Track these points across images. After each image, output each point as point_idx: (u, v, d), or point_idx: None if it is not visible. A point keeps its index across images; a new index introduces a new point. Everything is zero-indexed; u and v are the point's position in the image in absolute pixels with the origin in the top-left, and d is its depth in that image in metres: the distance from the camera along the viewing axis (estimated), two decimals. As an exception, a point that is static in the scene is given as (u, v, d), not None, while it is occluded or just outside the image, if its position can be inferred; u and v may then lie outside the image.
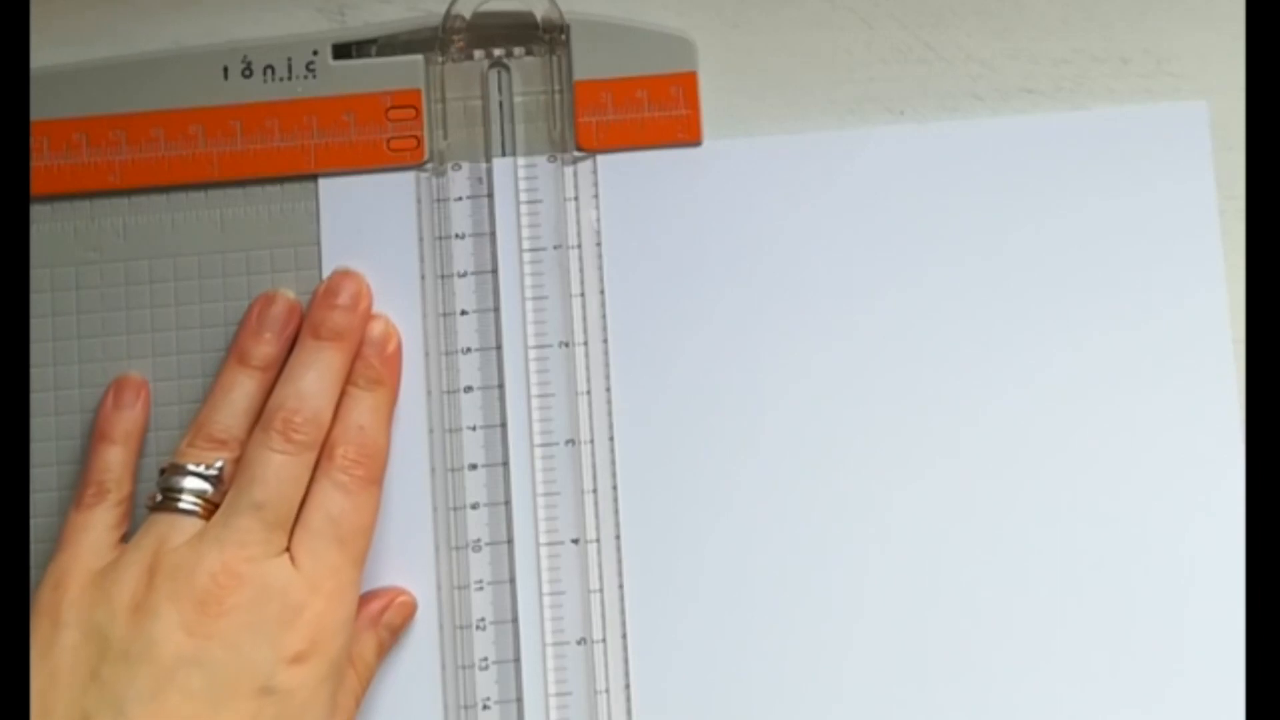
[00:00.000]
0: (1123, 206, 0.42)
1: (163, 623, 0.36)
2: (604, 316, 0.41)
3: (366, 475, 0.39)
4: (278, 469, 0.38)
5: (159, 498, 0.38)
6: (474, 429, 0.41)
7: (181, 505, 0.38)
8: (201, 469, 0.38)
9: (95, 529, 0.38)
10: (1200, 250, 0.41)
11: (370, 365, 0.40)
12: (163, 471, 0.39)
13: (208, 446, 0.39)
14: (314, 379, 0.39)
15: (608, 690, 0.40)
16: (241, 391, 0.40)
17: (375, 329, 0.41)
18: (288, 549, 0.38)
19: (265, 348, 0.40)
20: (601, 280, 0.42)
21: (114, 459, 0.40)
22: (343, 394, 0.40)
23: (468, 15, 0.42)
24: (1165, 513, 0.41)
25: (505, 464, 0.41)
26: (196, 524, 0.38)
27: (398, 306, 0.41)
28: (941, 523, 0.41)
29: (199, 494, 0.38)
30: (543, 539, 0.41)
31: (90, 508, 0.39)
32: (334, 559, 0.38)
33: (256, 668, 0.36)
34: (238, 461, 0.39)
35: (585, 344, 0.41)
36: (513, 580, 0.40)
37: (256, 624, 0.36)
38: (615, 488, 0.41)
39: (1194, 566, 0.40)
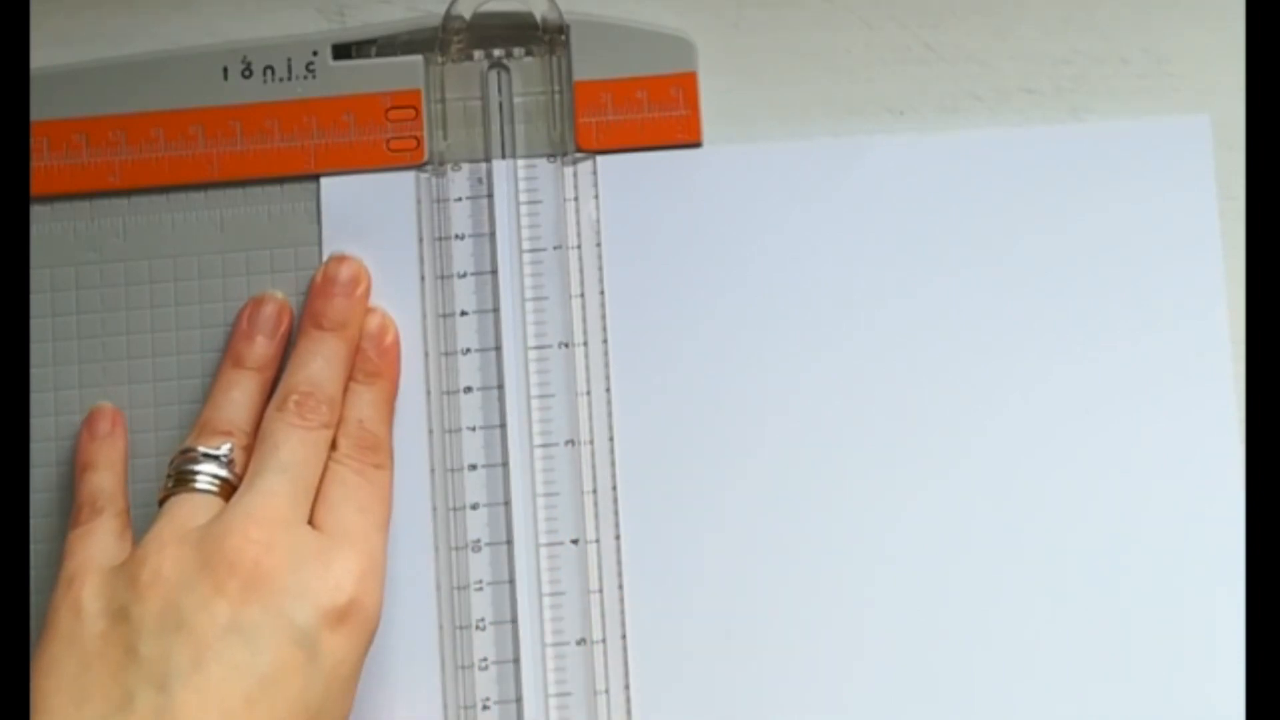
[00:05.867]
0: (1124, 217, 0.41)
1: (197, 594, 0.35)
2: (604, 317, 0.41)
3: (372, 462, 0.39)
4: (299, 439, 0.38)
5: (171, 484, 0.38)
6: (474, 429, 0.41)
7: (198, 485, 0.38)
8: (213, 450, 0.38)
9: (98, 534, 0.38)
10: (1201, 263, 0.41)
11: (368, 359, 0.40)
12: (171, 462, 0.39)
13: (215, 436, 0.39)
14: (322, 364, 0.39)
15: (607, 691, 0.40)
16: (240, 390, 0.40)
17: (372, 322, 0.41)
18: (310, 522, 0.38)
19: (259, 349, 0.40)
20: (601, 280, 0.41)
21: (101, 482, 0.39)
22: (345, 387, 0.40)
23: (467, 16, 0.42)
24: (1166, 517, 0.41)
25: (505, 464, 0.41)
26: (216, 503, 0.37)
27: (398, 307, 0.41)
28: (941, 526, 0.41)
29: (213, 475, 0.38)
30: (542, 539, 0.41)
31: (88, 521, 0.39)
32: (360, 523, 0.38)
33: (300, 631, 0.35)
34: (246, 450, 0.39)
35: (585, 344, 0.41)
36: (512, 581, 0.40)
37: (296, 585, 0.35)
38: (615, 488, 0.41)
39: (1194, 568, 0.40)
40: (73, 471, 0.40)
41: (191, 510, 0.37)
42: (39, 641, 0.36)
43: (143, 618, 0.35)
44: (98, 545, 0.38)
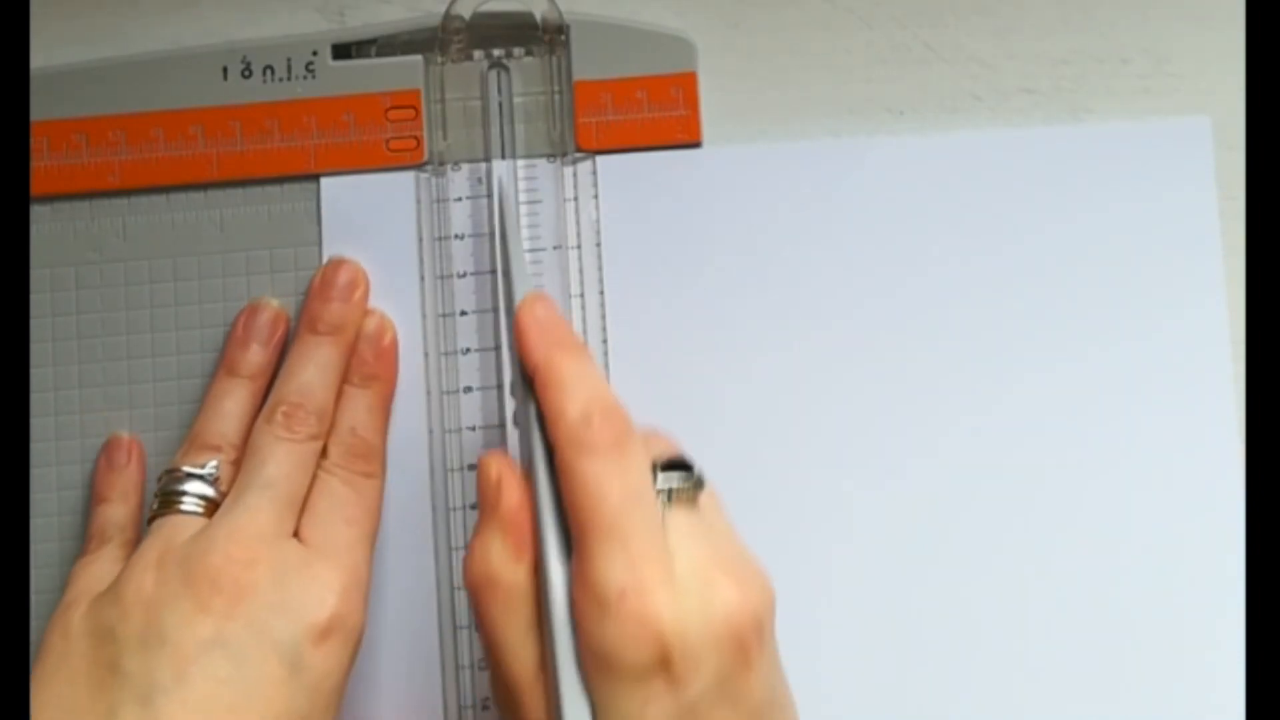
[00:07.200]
0: (1124, 218, 0.42)
1: (179, 611, 0.35)
2: (604, 317, 0.41)
3: (362, 471, 0.39)
4: (285, 453, 0.38)
5: (157, 505, 0.38)
6: (474, 429, 0.41)
7: (183, 507, 0.38)
8: (198, 469, 0.38)
9: (101, 562, 0.38)
10: (1201, 263, 0.41)
11: (365, 362, 0.40)
12: (159, 481, 0.39)
13: (202, 452, 0.39)
14: (314, 373, 0.39)
15: (607, 690, 0.40)
16: (233, 400, 0.40)
17: (370, 324, 0.41)
18: (296, 535, 0.37)
19: (253, 357, 0.40)
20: (601, 280, 0.42)
21: (114, 514, 0.40)
22: (339, 391, 0.40)
23: (467, 16, 0.42)
24: (1166, 516, 0.41)
25: (505, 464, 0.41)
26: (201, 524, 0.37)
27: (397, 307, 0.41)
28: (940, 524, 0.41)
29: (199, 495, 0.38)
30: (542, 539, 0.41)
31: (94, 551, 0.39)
32: (345, 536, 0.38)
33: (283, 646, 0.35)
34: (235, 464, 0.39)
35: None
36: (512, 580, 0.40)
37: (279, 600, 0.35)
38: (615, 488, 0.41)
39: (1194, 567, 0.40)
40: (84, 490, 0.41)
41: (176, 530, 0.37)
42: (34, 666, 0.36)
43: (127, 635, 0.35)
44: (96, 573, 0.38)
